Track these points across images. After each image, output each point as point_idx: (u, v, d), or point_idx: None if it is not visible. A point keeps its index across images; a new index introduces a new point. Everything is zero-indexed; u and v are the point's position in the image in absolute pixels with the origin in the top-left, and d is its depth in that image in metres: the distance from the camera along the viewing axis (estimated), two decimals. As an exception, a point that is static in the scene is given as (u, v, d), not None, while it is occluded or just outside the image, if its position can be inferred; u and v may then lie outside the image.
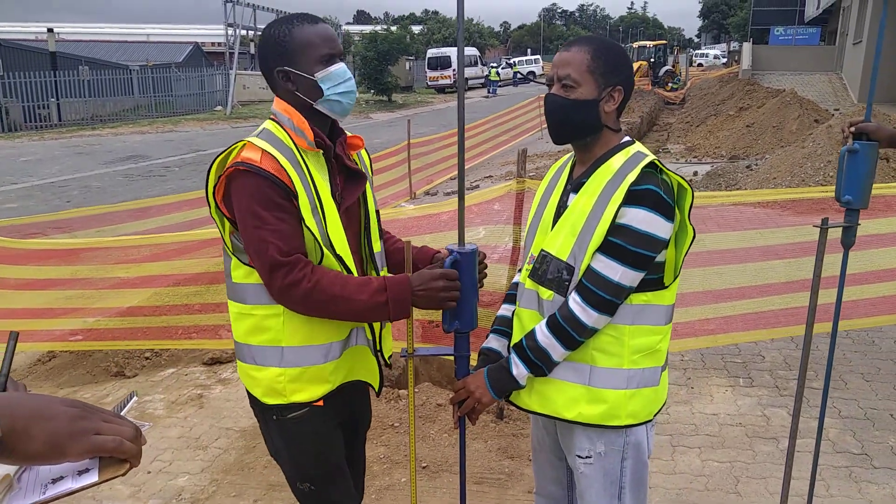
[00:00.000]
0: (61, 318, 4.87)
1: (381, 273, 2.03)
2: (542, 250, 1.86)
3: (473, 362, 2.05)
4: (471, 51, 44.38)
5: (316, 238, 1.75)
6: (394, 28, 33.26)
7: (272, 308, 1.80)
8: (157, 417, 3.95)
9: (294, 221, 1.73)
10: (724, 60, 47.78)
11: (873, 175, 2.52)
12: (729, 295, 4.33)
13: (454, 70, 39.16)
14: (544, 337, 1.79)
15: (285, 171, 1.71)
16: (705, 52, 59.33)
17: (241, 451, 3.55)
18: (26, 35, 39.73)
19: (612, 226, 1.71)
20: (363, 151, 2.05)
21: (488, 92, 37.04)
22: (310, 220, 1.74)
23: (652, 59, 33.95)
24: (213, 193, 1.77)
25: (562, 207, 1.86)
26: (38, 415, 0.79)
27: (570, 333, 1.75)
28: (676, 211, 1.77)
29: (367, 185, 1.99)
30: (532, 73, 49.61)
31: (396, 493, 3.15)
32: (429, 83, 40.03)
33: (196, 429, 3.81)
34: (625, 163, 1.77)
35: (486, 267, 2.07)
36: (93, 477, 0.83)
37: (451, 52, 40.74)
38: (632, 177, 1.71)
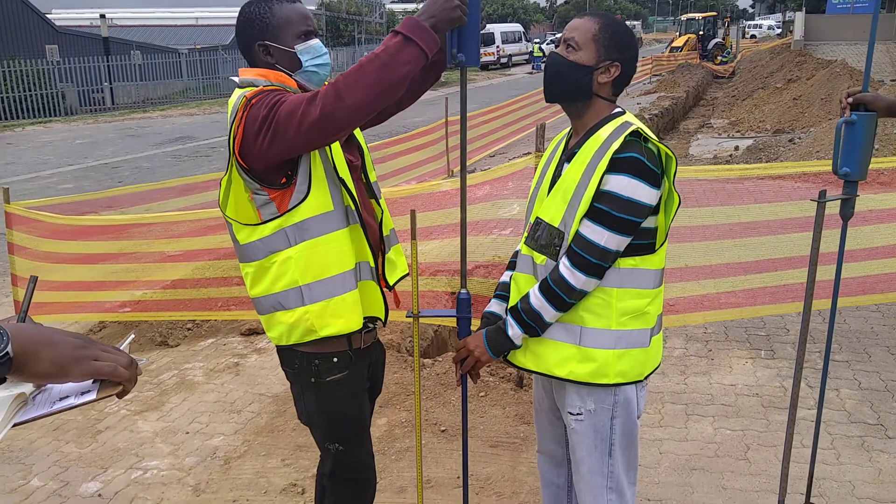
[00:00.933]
0: (112, 290, 5.18)
1: (381, 201, 2.19)
2: (538, 217, 1.96)
3: (474, 327, 2.18)
4: (514, 27, 43.96)
5: (311, 162, 1.89)
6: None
7: (283, 253, 1.94)
8: (196, 383, 4.20)
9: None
10: (779, 31, 46.24)
11: (872, 146, 2.51)
12: (758, 267, 4.34)
13: (498, 46, 38.90)
14: (537, 300, 1.90)
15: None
16: (759, 22, 57.48)
17: (272, 415, 3.76)
18: (80, 21, 40.85)
19: (597, 192, 1.81)
20: None
21: (532, 68, 36.70)
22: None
23: (701, 32, 33.13)
24: (233, 147, 1.87)
25: (557, 176, 1.97)
26: (47, 341, 0.95)
27: (561, 296, 1.86)
28: (664, 180, 1.85)
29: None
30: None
31: (415, 453, 3.30)
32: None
33: (231, 394, 4.03)
34: (612, 132, 1.86)
35: None
36: (92, 395, 0.99)
37: (495, 28, 40.41)
38: (616, 145, 1.80)
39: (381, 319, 2.14)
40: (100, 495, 3.16)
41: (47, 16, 27.60)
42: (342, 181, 1.94)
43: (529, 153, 12.72)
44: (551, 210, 1.92)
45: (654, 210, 1.87)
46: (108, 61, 24.68)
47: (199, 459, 3.41)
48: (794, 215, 4.67)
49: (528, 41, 42.91)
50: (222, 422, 3.75)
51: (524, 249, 2.02)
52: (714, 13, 37.39)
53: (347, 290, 1.98)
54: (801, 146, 9.50)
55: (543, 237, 1.93)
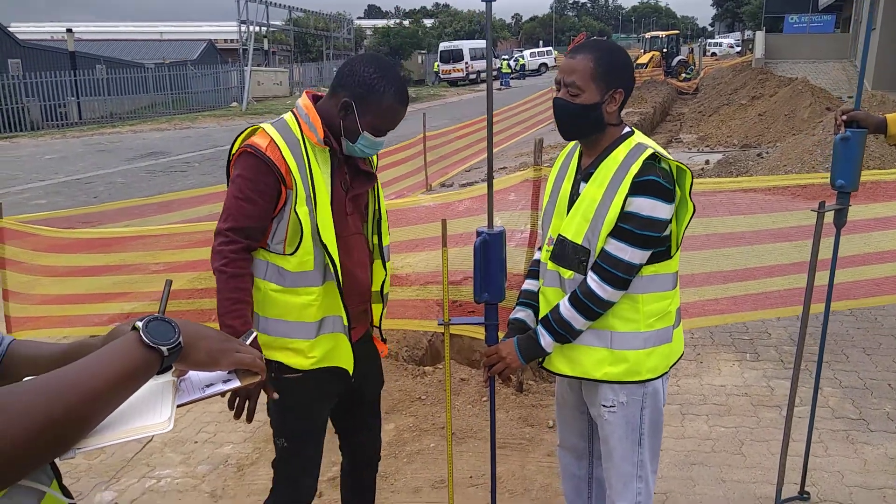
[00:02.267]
0: (103, 303, 5.18)
1: (387, 265, 2.29)
2: (560, 235, 2.11)
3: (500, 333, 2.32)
4: (481, 43, 44.51)
5: (302, 225, 1.97)
6: (406, 22, 33.39)
7: (258, 280, 2.04)
8: (199, 393, 4.24)
9: (265, 206, 1.97)
10: (738, 49, 47.58)
11: (862, 159, 2.74)
12: (738, 276, 4.55)
13: (467, 63, 39.36)
14: (567, 311, 2.04)
15: (285, 161, 1.95)
16: (719, 41, 59.05)
17: (279, 422, 3.83)
18: (43, 35, 40.27)
19: (621, 213, 1.95)
20: (374, 161, 2.30)
21: (501, 84, 37.18)
22: (301, 208, 1.97)
23: (664, 50, 33.93)
24: (230, 167, 2.06)
25: (574, 195, 2.11)
26: (202, 335, 1.08)
27: (590, 307, 2.01)
28: (677, 189, 2.01)
29: (378, 184, 2.24)
30: (545, 64, 49.74)
31: (425, 456, 3.42)
32: (441, 76, 40.19)
33: (236, 403, 4.08)
34: (628, 154, 2.00)
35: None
36: (236, 383, 1.12)
37: (464, 45, 40.90)
38: (635, 168, 1.94)
39: (347, 371, 2.17)
40: (116, 503, 3.20)
41: (7, 29, 27.17)
42: (324, 245, 2.01)
43: (505, 168, 12.93)
44: (573, 228, 2.06)
45: (668, 223, 2.03)
46: (74, 76, 24.37)
47: (211, 467, 3.46)
48: (768, 226, 4.91)
49: (496, 57, 43.49)
50: (230, 430, 3.81)
51: (550, 265, 2.15)
52: (676, 31, 38.33)
53: (302, 338, 2.07)
54: (769, 160, 9.88)
55: (568, 254, 2.07)
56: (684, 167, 2.01)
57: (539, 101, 17.58)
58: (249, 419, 1.86)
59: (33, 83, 23.06)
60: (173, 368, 1.06)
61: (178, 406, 1.07)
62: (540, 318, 2.16)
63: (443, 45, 41.10)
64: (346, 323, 2.12)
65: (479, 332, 4.04)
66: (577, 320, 2.03)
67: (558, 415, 2.45)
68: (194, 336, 1.06)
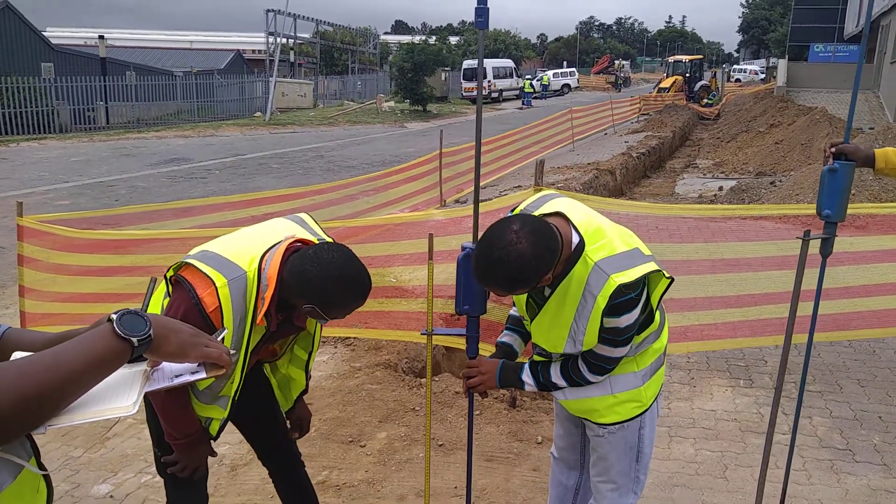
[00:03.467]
0: (115, 303, 5.33)
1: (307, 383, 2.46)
2: (538, 346, 2.21)
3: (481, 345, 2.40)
4: (506, 62, 44.81)
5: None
6: (431, 39, 33.76)
7: None
8: (201, 395, 4.35)
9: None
10: (762, 76, 47.47)
11: (849, 191, 2.80)
12: (738, 301, 4.60)
13: (489, 81, 39.63)
14: (557, 378, 2.16)
15: (224, 326, 1.92)
16: (743, 67, 58.92)
17: (276, 427, 3.93)
18: (76, 40, 41.16)
19: (601, 328, 1.97)
20: None
21: (522, 103, 37.39)
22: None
23: (687, 74, 33.98)
24: (170, 275, 2.05)
25: (536, 300, 2.10)
26: (173, 328, 1.19)
27: (578, 382, 2.14)
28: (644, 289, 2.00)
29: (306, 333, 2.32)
30: (567, 85, 49.93)
31: (414, 465, 3.50)
32: (464, 94, 40.50)
33: (236, 406, 4.19)
34: (588, 279, 1.92)
35: None
36: (202, 374, 1.22)
37: (487, 63, 41.16)
38: (602, 302, 1.90)
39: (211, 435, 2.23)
40: (112, 496, 3.31)
41: (42, 33, 27.84)
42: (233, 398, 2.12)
43: (520, 186, 13.04)
44: (551, 341, 2.11)
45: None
46: (104, 81, 24.90)
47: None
48: (774, 254, 4.95)
49: (518, 77, 43.75)
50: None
51: (536, 358, 2.25)
52: (700, 56, 38.35)
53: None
54: (781, 189, 9.88)
55: (554, 356, 2.18)
56: (651, 270, 1.95)
57: (558, 121, 17.70)
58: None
59: (64, 87, 23.59)
60: (147, 359, 1.17)
61: (147, 393, 1.17)
62: (530, 362, 2.24)
63: (466, 63, 41.43)
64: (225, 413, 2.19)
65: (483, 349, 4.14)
66: (563, 384, 2.16)
67: (555, 426, 2.54)
68: (166, 329, 1.17)
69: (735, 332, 4.46)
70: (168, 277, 2.05)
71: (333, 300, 1.97)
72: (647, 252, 2.01)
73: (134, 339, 1.10)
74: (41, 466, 1.19)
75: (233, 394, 2.12)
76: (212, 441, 2.23)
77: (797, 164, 12.58)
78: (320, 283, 1.93)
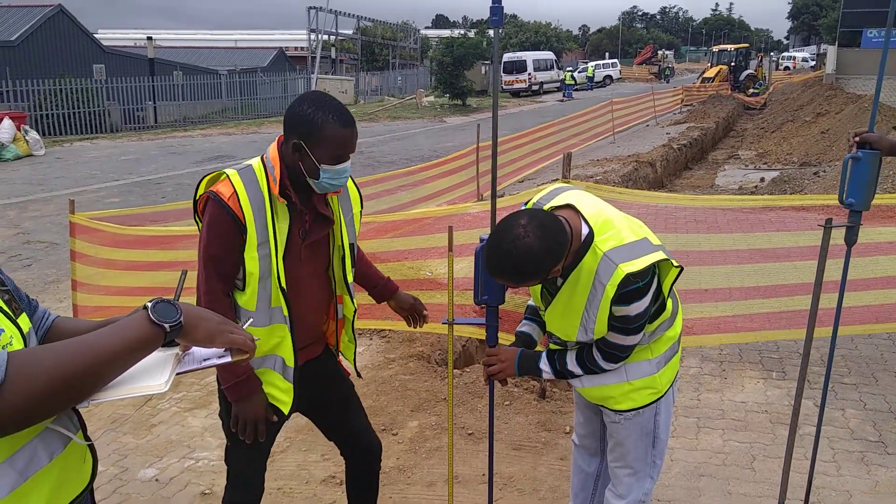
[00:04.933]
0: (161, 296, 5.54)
1: (354, 301, 2.40)
2: (554, 335, 2.28)
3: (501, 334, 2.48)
4: (546, 54, 44.48)
5: (248, 269, 2.07)
6: (471, 33, 33.71)
7: None
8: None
9: (234, 256, 2.08)
10: (813, 64, 46.14)
11: (875, 181, 2.79)
12: (776, 291, 4.56)
13: (530, 73, 39.44)
14: (573, 365, 2.23)
15: (243, 212, 2.05)
16: (793, 54, 57.36)
17: (312, 415, 4.07)
18: (126, 42, 42.30)
19: (611, 317, 2.04)
20: (352, 189, 2.38)
21: (563, 95, 37.11)
22: (250, 253, 2.06)
23: (733, 63, 33.28)
24: (196, 205, 2.17)
25: (549, 289, 2.18)
26: (202, 316, 1.30)
27: (594, 370, 2.20)
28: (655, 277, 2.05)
29: (340, 224, 2.28)
30: (609, 76, 49.35)
31: (443, 453, 3.59)
32: (503, 87, 40.37)
33: (274, 395, 4.35)
34: (598, 268, 1.98)
35: None
36: (228, 359, 1.34)
37: (528, 56, 40.97)
38: (611, 291, 1.96)
39: (281, 411, 2.24)
40: (157, 480, 3.49)
41: (94, 35, 28.74)
42: (280, 285, 2.12)
43: (556, 179, 13.01)
44: (564, 329, 2.19)
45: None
46: (152, 81, 25.60)
47: (245, 452, 3.72)
48: (813, 243, 4.89)
49: (559, 69, 43.40)
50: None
51: (552, 346, 2.32)
52: (746, 45, 37.52)
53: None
54: (825, 179, 9.68)
55: (569, 344, 2.24)
56: (659, 259, 2.00)
57: (598, 113, 17.57)
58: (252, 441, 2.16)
59: (115, 88, 24.33)
60: (179, 344, 1.29)
61: (178, 374, 1.30)
62: (548, 351, 2.31)
63: (506, 56, 41.24)
64: (290, 364, 2.20)
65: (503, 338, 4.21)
66: (579, 372, 2.22)
67: (576, 414, 2.61)
68: (195, 318, 1.28)
69: (770, 323, 4.42)
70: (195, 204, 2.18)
71: (311, 120, 2.04)
72: (656, 242, 2.06)
73: (166, 325, 1.22)
74: (87, 438, 1.32)
75: (284, 302, 2.15)
76: (282, 418, 2.26)
77: (843, 153, 12.25)
78: (298, 107, 2.08)
